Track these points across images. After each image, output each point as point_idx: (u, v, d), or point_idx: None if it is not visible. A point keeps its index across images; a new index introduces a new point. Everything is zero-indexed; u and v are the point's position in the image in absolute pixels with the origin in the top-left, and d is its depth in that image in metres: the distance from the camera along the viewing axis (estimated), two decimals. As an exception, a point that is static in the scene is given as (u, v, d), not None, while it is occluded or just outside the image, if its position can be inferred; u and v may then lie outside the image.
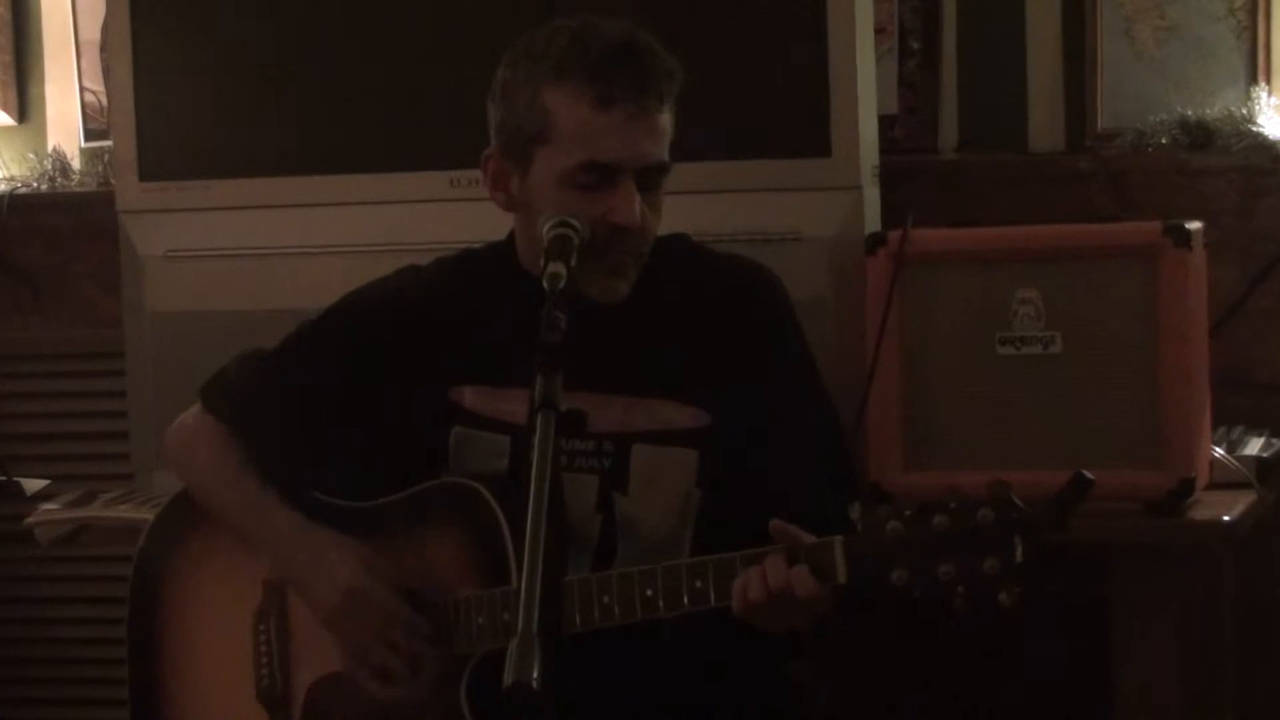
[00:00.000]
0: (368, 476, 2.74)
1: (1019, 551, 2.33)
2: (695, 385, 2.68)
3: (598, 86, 2.57)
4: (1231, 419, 3.44)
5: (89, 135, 4.30)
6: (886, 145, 3.53)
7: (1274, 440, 3.40)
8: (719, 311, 2.71)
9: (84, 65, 4.29)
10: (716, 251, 2.81)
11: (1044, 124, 3.82)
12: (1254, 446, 3.33)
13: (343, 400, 2.76)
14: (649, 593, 2.50)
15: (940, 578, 2.36)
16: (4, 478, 3.95)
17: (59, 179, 4.29)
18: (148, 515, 2.99)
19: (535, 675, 2.03)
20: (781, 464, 2.67)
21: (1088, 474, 2.33)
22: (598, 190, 2.59)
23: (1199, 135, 3.68)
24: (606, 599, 2.52)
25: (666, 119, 2.62)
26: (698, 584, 2.48)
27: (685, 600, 2.49)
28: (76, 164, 4.30)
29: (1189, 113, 3.69)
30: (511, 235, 2.75)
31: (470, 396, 2.72)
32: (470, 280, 2.77)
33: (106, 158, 4.18)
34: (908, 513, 2.39)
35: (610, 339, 2.64)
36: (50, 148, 4.31)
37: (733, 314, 2.71)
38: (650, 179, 2.62)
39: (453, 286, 2.77)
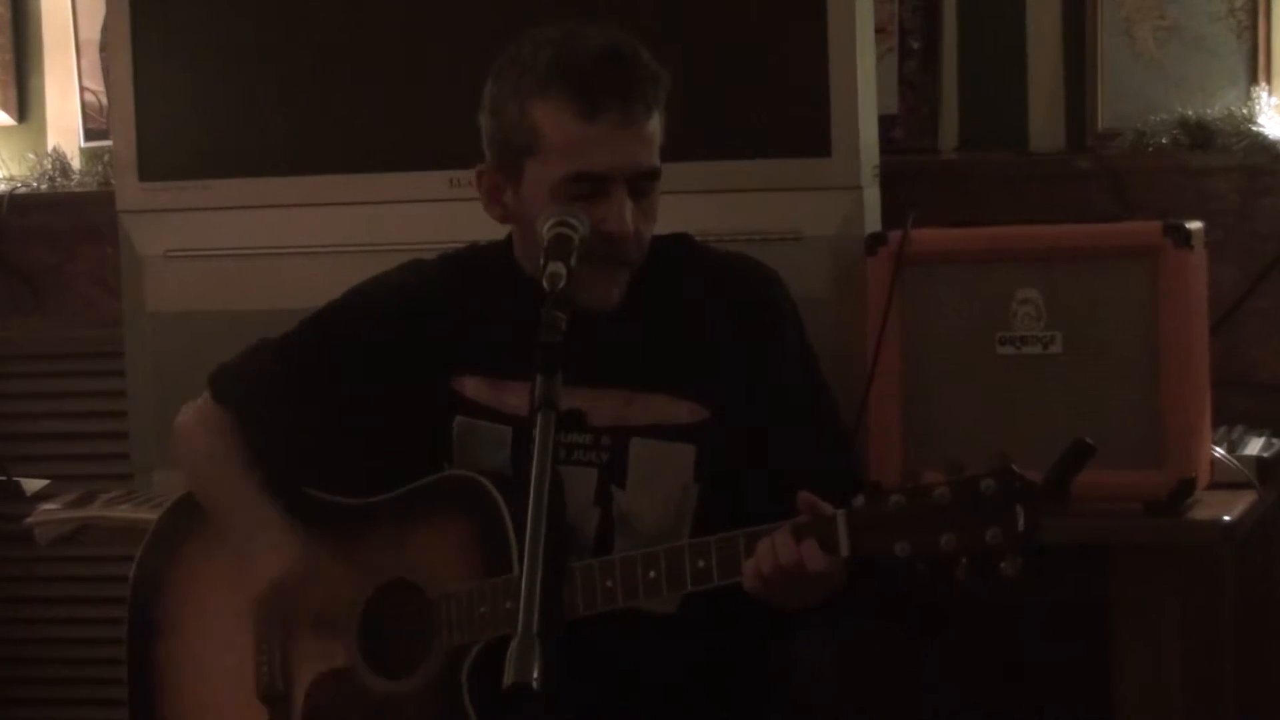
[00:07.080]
0: (370, 469, 2.75)
1: (1021, 521, 2.34)
2: (693, 381, 2.68)
3: (583, 97, 2.57)
4: (1231, 419, 3.44)
5: (89, 135, 4.30)
6: (886, 145, 3.53)
7: (1274, 440, 3.40)
8: (717, 308, 2.71)
9: (84, 65, 4.29)
10: (716, 250, 2.81)
11: (1044, 124, 3.82)
12: (1254, 446, 3.33)
13: (347, 391, 2.77)
14: (652, 575, 2.51)
15: (943, 548, 2.36)
16: (4, 478, 3.95)
17: (59, 179, 4.29)
18: (147, 515, 2.98)
19: (535, 675, 2.04)
20: (782, 459, 2.67)
21: (1088, 440, 2.33)
22: (589, 199, 2.59)
23: (1199, 135, 3.68)
24: (610, 583, 2.53)
25: (655, 125, 2.61)
26: (700, 563, 2.50)
27: (688, 581, 2.50)
28: (76, 164, 4.30)
29: (1189, 113, 3.69)
30: (510, 235, 2.76)
31: (472, 387, 2.73)
32: (474, 275, 2.78)
33: (106, 158, 4.18)
34: (910, 485, 2.40)
35: (607, 334, 2.64)
36: (50, 148, 4.31)
37: (731, 310, 2.71)
38: (641, 185, 2.62)
39: (457, 280, 2.79)
